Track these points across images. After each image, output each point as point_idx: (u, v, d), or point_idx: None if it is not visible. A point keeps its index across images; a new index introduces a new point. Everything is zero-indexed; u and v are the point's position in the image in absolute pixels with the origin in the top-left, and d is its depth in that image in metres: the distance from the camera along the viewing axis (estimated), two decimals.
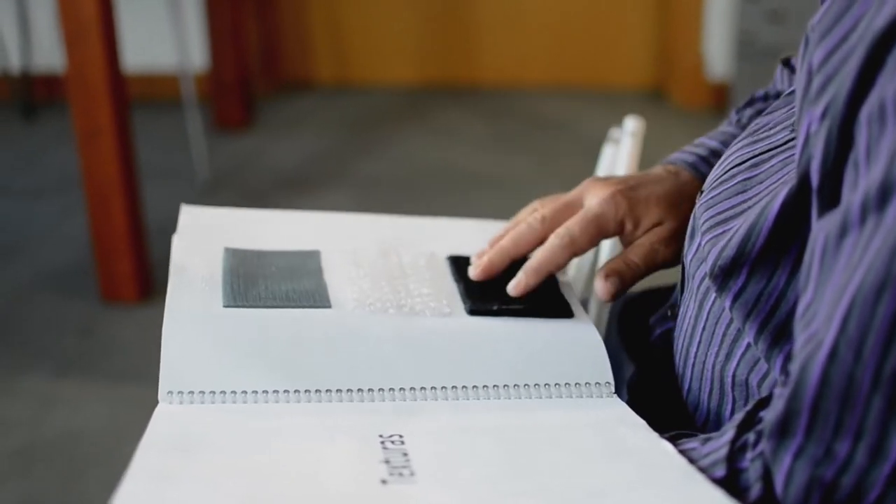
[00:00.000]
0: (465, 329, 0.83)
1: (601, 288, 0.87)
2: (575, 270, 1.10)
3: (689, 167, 0.93)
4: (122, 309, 2.49)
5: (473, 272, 0.90)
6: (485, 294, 0.88)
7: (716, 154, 0.93)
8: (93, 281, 2.56)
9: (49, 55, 3.80)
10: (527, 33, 4.10)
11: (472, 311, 0.86)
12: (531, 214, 0.91)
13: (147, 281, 2.53)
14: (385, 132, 3.71)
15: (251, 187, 3.24)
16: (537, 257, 0.87)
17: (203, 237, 0.95)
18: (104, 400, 2.15)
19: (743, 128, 0.96)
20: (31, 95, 3.84)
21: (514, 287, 0.87)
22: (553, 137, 3.61)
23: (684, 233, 0.83)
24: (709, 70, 3.83)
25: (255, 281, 0.87)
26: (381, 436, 0.69)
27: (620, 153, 1.19)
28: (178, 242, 0.93)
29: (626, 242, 0.90)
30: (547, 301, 0.87)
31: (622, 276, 0.87)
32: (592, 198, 0.88)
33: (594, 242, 0.88)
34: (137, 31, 3.64)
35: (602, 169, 1.22)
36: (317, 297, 0.85)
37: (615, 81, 4.12)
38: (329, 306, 0.85)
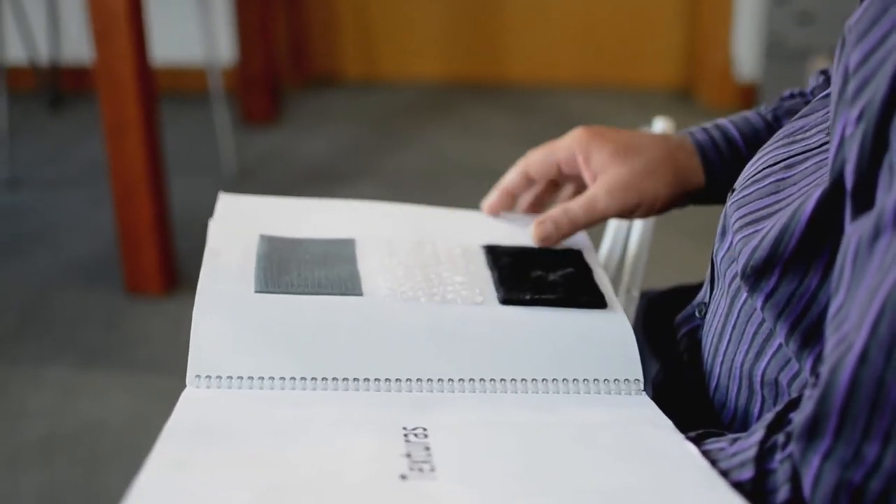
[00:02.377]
0: (494, 320, 0.83)
1: (533, 232, 0.94)
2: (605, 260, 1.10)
3: (691, 136, 0.96)
4: (146, 301, 2.50)
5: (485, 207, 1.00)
6: (518, 283, 0.87)
7: (728, 141, 0.96)
8: (118, 273, 2.57)
9: (77, 46, 3.82)
10: (555, 30, 4.09)
11: (505, 301, 0.85)
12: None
13: (172, 274, 2.54)
14: (412, 128, 3.71)
15: (277, 181, 3.24)
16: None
17: (239, 224, 0.94)
18: (127, 391, 2.16)
19: (775, 120, 0.96)
20: (59, 87, 3.85)
21: (486, 207, 1.00)
22: None
23: (631, 186, 0.91)
24: (737, 71, 3.81)
25: (287, 267, 0.87)
26: (404, 428, 0.69)
27: None
28: (213, 228, 0.93)
29: (579, 186, 0.99)
30: (580, 291, 0.86)
31: (557, 222, 0.93)
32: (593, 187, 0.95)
33: (546, 168, 0.97)
34: (166, 24, 3.65)
35: None
36: (349, 285, 0.85)
37: (643, 80, 4.10)
38: (360, 294, 0.84)
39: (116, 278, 2.58)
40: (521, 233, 0.97)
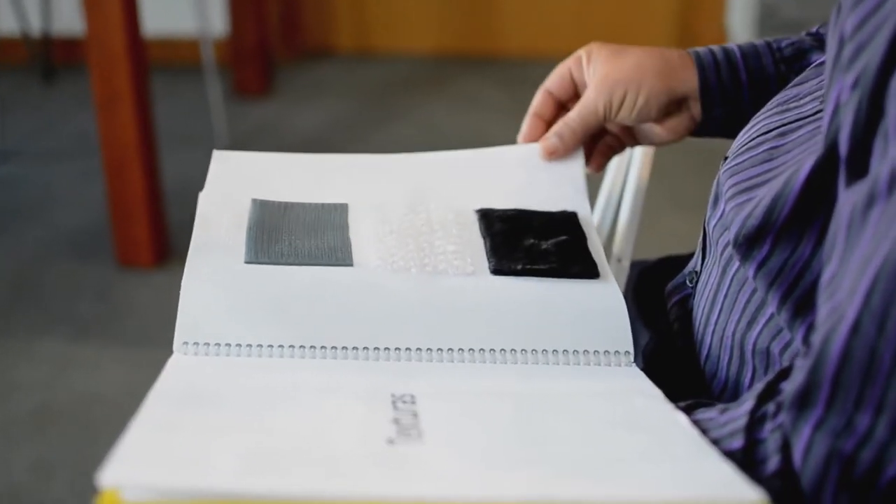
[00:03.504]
0: (485, 290, 0.82)
1: (541, 150, 0.97)
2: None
3: (695, 61, 0.96)
4: (138, 273, 2.49)
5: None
6: (510, 253, 0.86)
7: (730, 62, 0.96)
8: (110, 245, 2.57)
9: (70, 18, 3.80)
10: (548, 2, 4.07)
11: (496, 271, 0.84)
12: None
13: (164, 246, 2.53)
14: (405, 100, 3.69)
15: None
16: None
17: (232, 186, 0.93)
18: (119, 364, 2.16)
19: (775, 54, 0.98)
20: (51, 58, 3.83)
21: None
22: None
23: (618, 80, 0.93)
24: (730, 42, 3.79)
25: (279, 236, 0.86)
26: (392, 395, 0.68)
27: None
28: (205, 192, 0.92)
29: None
30: (573, 261, 0.86)
31: (558, 133, 0.96)
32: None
33: (561, 80, 0.99)
34: None
35: None
36: (339, 255, 0.84)
37: None
38: (351, 264, 0.84)
39: (108, 251, 2.57)
40: (519, 173, 0.97)
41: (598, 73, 0.95)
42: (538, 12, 4.09)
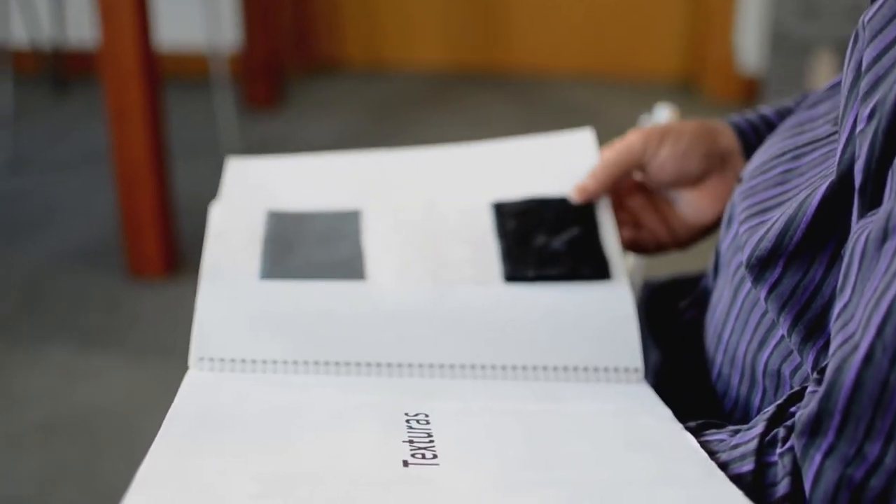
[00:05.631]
0: (497, 303, 0.83)
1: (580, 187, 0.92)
2: None
3: (731, 124, 0.94)
4: (147, 285, 2.50)
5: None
6: (523, 256, 0.86)
7: (766, 121, 0.94)
8: (120, 256, 2.57)
9: (82, 30, 3.81)
10: (558, 20, 4.09)
11: (510, 278, 0.85)
12: None
13: (173, 258, 2.54)
14: (415, 115, 3.70)
15: None
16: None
17: (246, 195, 0.94)
18: (127, 375, 2.16)
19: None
20: (62, 70, 3.85)
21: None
22: (582, 125, 3.58)
23: (657, 129, 0.91)
24: (740, 63, 3.80)
25: (292, 249, 0.87)
26: (406, 414, 0.69)
27: None
28: (220, 203, 0.93)
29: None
30: (584, 261, 0.86)
31: (594, 175, 0.92)
32: None
33: (619, 161, 0.92)
34: (171, 9, 3.65)
35: None
36: (353, 267, 0.85)
37: (646, 71, 4.10)
38: (363, 278, 0.84)
39: (118, 262, 2.58)
40: (533, 162, 0.97)
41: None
42: (550, 29, 4.11)
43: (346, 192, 0.95)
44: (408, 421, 0.68)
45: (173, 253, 2.54)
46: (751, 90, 3.77)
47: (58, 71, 3.85)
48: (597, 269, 0.86)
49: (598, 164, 0.92)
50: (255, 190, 0.95)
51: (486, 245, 0.89)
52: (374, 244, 0.88)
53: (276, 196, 0.94)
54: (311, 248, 0.87)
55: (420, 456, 0.63)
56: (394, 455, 0.62)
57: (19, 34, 3.74)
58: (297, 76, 4.05)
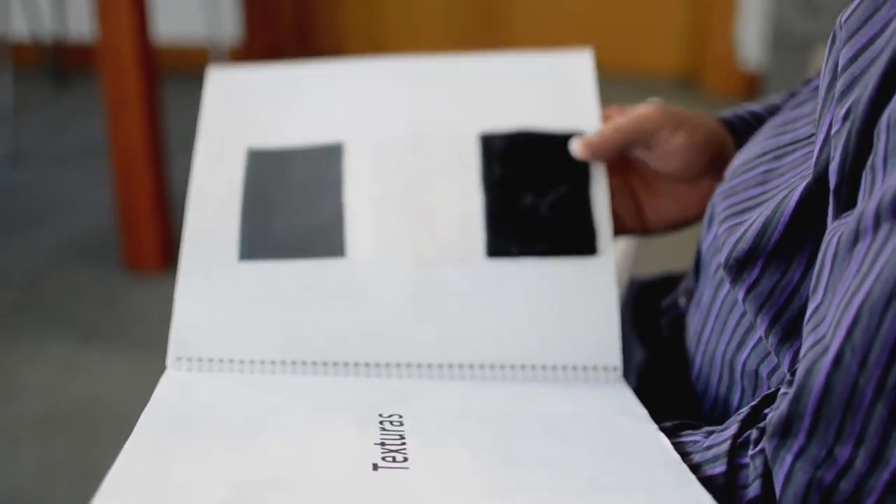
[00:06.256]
0: (476, 291, 0.81)
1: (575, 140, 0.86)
2: None
3: (725, 124, 0.92)
4: (145, 278, 2.50)
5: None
6: (507, 225, 0.83)
7: (756, 116, 0.91)
8: (117, 250, 2.58)
9: (83, 23, 3.81)
10: (560, 15, 4.08)
11: (492, 253, 0.82)
12: None
13: (171, 251, 2.54)
14: None
15: None
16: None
17: (226, 123, 0.91)
18: (125, 368, 2.17)
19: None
20: (63, 63, 3.85)
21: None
22: None
23: (679, 111, 0.85)
24: (742, 59, 3.80)
25: (271, 208, 0.84)
26: (380, 415, 0.68)
27: None
28: (201, 136, 0.91)
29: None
30: (572, 231, 0.83)
31: (600, 131, 0.87)
32: None
33: (632, 131, 0.87)
34: (172, 1, 3.65)
35: None
36: (332, 237, 0.83)
37: (647, 66, 4.09)
38: (342, 254, 0.82)
39: (116, 255, 2.58)
40: (525, 83, 0.92)
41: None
42: (551, 24, 4.10)
43: (329, 115, 0.90)
44: (381, 423, 0.67)
45: (170, 246, 2.54)
46: (752, 86, 3.76)
47: (58, 64, 3.85)
48: (583, 241, 0.83)
49: (611, 128, 0.87)
50: (235, 114, 0.91)
51: (470, 200, 0.84)
52: (356, 199, 0.85)
53: (257, 120, 0.90)
54: (292, 206, 0.85)
55: (391, 459, 0.62)
56: (365, 459, 0.62)
57: (20, 27, 3.74)
58: None
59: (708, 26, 3.88)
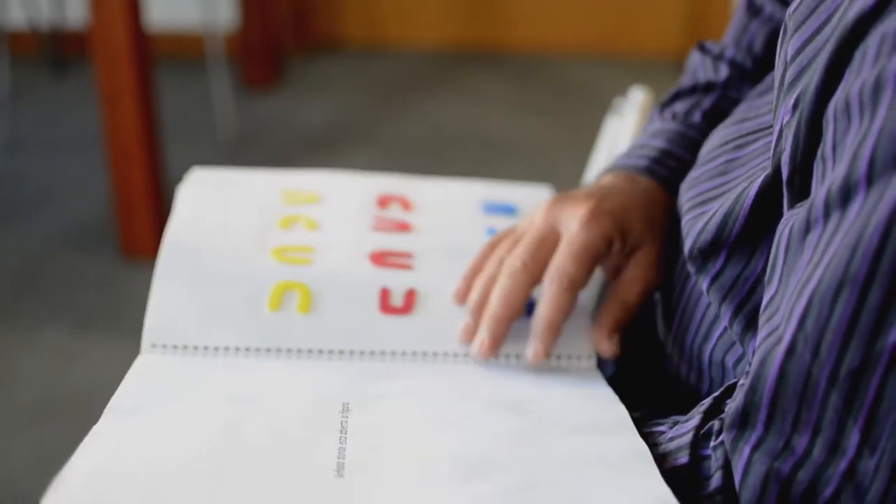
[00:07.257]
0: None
1: (608, 348, 0.77)
2: None
3: (644, 172, 0.85)
4: (140, 265, 2.51)
5: (478, 353, 0.76)
6: None
7: (668, 154, 0.86)
8: (113, 237, 2.58)
9: (82, 10, 3.81)
10: None
11: None
12: (506, 262, 0.78)
13: None
14: (414, 94, 3.70)
15: (277, 148, 3.25)
16: (545, 315, 0.75)
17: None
18: (121, 356, 2.15)
19: (683, 121, 0.89)
20: (60, 52, 3.85)
21: (534, 357, 0.75)
22: (580, 103, 3.59)
23: (668, 252, 0.80)
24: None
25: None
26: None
27: (624, 127, 1.17)
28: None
29: (612, 264, 0.81)
30: None
31: (625, 325, 0.80)
32: (570, 223, 0.77)
33: (591, 273, 0.78)
34: None
35: (604, 143, 1.20)
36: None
37: (644, 48, 4.09)
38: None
39: (112, 243, 2.59)
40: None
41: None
42: (548, 7, 4.09)
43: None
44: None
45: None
46: None
47: (56, 52, 3.85)
48: None
49: (566, 277, 0.76)
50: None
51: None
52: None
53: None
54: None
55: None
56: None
57: (17, 15, 3.74)
58: (295, 55, 4.05)
59: (705, 7, 3.87)
